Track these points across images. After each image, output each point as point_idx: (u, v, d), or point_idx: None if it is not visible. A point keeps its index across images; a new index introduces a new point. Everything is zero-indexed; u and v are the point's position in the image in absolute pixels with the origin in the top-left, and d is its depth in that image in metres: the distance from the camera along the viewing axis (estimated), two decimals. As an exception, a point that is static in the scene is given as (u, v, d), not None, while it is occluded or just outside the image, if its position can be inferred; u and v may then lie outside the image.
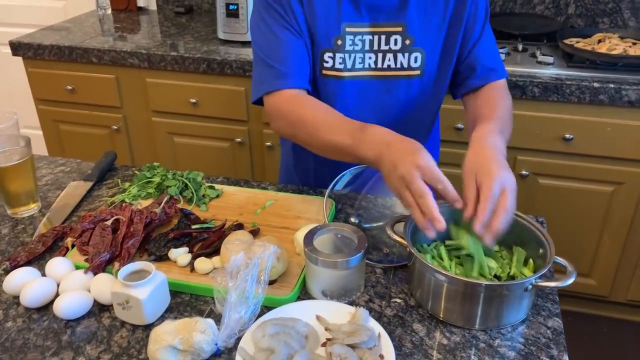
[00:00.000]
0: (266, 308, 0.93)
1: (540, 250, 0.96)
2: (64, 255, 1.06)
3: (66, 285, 0.97)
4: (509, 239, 1.02)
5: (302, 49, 1.18)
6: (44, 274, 1.01)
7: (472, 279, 0.92)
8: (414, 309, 0.96)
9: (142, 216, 1.08)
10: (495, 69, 1.25)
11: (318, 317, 0.92)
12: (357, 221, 1.15)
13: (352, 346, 0.84)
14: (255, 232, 1.11)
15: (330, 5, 1.18)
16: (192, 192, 1.22)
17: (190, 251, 1.06)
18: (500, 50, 2.06)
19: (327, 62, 1.20)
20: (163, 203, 1.16)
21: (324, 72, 1.21)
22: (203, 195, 1.23)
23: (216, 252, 1.05)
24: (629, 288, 2.19)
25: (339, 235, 0.99)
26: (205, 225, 1.12)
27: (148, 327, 0.92)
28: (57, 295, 0.97)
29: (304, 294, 0.99)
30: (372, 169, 1.18)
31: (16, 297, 0.98)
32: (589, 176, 2.01)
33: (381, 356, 0.84)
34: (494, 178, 0.92)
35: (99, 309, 0.96)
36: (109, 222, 1.08)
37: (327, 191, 1.15)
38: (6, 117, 1.31)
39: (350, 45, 1.19)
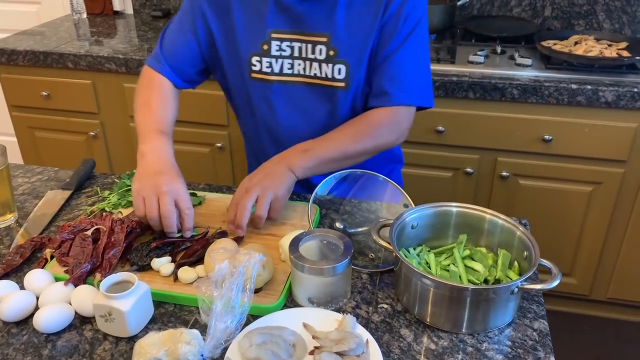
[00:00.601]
0: (252, 317, 0.92)
1: (525, 253, 0.96)
2: (42, 267, 1.04)
3: (46, 298, 0.94)
4: (494, 241, 1.03)
5: (190, 53, 1.29)
6: (22, 287, 0.98)
7: (458, 284, 0.92)
8: (401, 314, 0.96)
9: (123, 225, 1.06)
10: (392, 94, 1.20)
11: (305, 325, 0.91)
12: (342, 226, 1.15)
13: (340, 354, 0.84)
14: (238, 240, 1.09)
15: (257, 11, 1.22)
16: (174, 200, 1.20)
17: (173, 260, 1.04)
18: (479, 53, 2.08)
19: (254, 65, 1.24)
20: (144, 211, 1.13)
21: (253, 75, 1.25)
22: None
23: (200, 260, 1.03)
24: (608, 286, 2.22)
25: (325, 242, 0.99)
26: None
27: (132, 339, 0.90)
28: (36, 308, 0.94)
29: (290, 301, 0.98)
30: (355, 174, 1.18)
31: (-7, 312, 0.95)
32: (568, 176, 2.04)
33: (369, 363, 0.83)
34: (243, 183, 1.12)
35: (81, 321, 0.94)
36: (89, 232, 1.05)
37: (312, 197, 1.14)
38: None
39: (276, 50, 1.22)
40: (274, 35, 1.22)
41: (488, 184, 2.13)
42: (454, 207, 1.04)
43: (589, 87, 1.87)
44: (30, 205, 1.26)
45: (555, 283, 0.89)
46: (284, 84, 1.25)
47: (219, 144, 2.29)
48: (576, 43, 2.10)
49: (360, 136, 1.20)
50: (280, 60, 1.23)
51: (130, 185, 1.24)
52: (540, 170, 2.05)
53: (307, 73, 1.23)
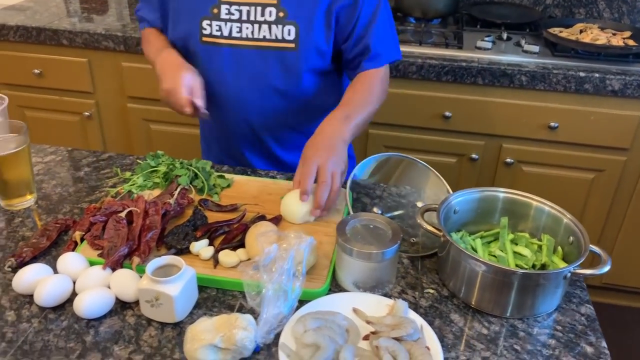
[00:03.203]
0: (299, 302, 0.90)
1: (571, 238, 0.96)
2: (73, 250, 0.99)
3: (84, 282, 0.90)
4: (537, 227, 1.02)
5: (154, 15, 1.36)
6: (55, 271, 0.94)
7: (513, 268, 0.91)
8: (448, 299, 0.95)
9: (158, 207, 1.03)
10: (382, 54, 1.29)
11: (355, 310, 0.89)
12: (380, 211, 1.13)
13: (397, 339, 0.82)
14: (277, 220, 1.07)
15: None
16: (203, 182, 1.16)
17: (211, 244, 1.01)
18: (486, 39, 2.08)
19: (205, 29, 1.25)
20: (176, 194, 1.10)
21: (204, 39, 1.26)
22: (214, 185, 1.17)
23: (240, 245, 1.00)
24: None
25: (372, 226, 0.97)
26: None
27: (177, 325, 0.87)
28: (73, 293, 0.91)
29: (334, 285, 0.97)
30: (396, 158, 1.17)
31: (27, 296, 0.91)
32: (571, 164, 2.06)
33: (427, 348, 0.82)
34: (312, 159, 1.09)
35: (121, 306, 0.91)
36: (123, 214, 1.01)
37: (349, 180, 1.12)
38: (-6, 102, 1.23)
39: (226, 14, 1.23)
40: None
41: (491, 170, 2.14)
42: (501, 193, 1.04)
43: (597, 75, 1.89)
44: (48, 186, 1.21)
45: (606, 268, 0.89)
46: (233, 48, 1.25)
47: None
48: (581, 31, 2.11)
49: (375, 97, 1.28)
50: (229, 24, 1.24)
51: (154, 167, 1.20)
52: (544, 157, 2.06)
53: (256, 36, 1.24)
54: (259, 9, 1.22)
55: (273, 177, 1.27)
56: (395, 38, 1.33)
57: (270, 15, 1.22)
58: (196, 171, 1.17)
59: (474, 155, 2.10)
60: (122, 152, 2.40)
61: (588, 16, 2.36)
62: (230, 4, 1.23)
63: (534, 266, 0.96)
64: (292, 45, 1.23)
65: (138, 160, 1.29)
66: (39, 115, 2.41)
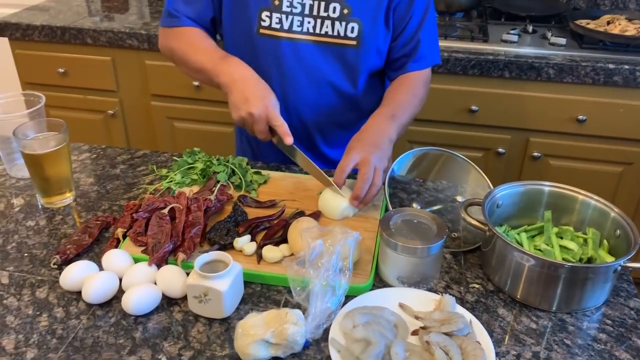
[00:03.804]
0: (345, 297, 0.89)
1: (618, 232, 0.95)
2: (116, 247, 1.00)
3: (130, 279, 0.91)
4: (582, 221, 1.01)
5: (201, 4, 1.25)
6: (100, 268, 0.95)
7: (560, 261, 0.90)
8: (494, 293, 0.94)
9: (199, 203, 1.03)
10: (427, 57, 1.29)
11: (402, 305, 0.89)
12: (419, 207, 1.12)
13: (447, 334, 0.82)
14: (316, 216, 1.06)
15: None
16: (240, 178, 1.16)
17: (253, 240, 1.01)
18: (511, 32, 2.06)
19: (264, 20, 1.21)
20: (216, 190, 1.10)
21: (262, 30, 1.22)
22: (251, 181, 1.17)
23: (283, 241, 1.00)
24: (632, 266, 2.23)
25: (416, 221, 0.96)
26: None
27: (225, 321, 0.87)
28: (119, 290, 0.91)
29: (377, 280, 0.96)
30: (435, 153, 1.16)
31: (73, 293, 0.92)
32: (599, 157, 2.04)
33: (478, 343, 0.82)
34: (353, 152, 1.08)
35: (167, 302, 0.91)
36: (165, 211, 1.01)
37: (387, 175, 1.11)
38: (31, 101, 1.23)
39: (287, 6, 1.19)
40: None
41: (518, 164, 2.12)
42: (546, 187, 1.03)
43: (627, 67, 1.86)
44: (85, 184, 1.22)
45: (657, 262, 0.88)
46: (292, 42, 1.22)
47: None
48: (609, 22, 2.08)
49: (419, 99, 1.28)
50: (290, 17, 1.20)
51: (191, 164, 1.20)
52: (572, 151, 2.04)
53: (317, 31, 1.21)
54: (322, 3, 1.19)
55: (306, 173, 1.26)
56: (438, 42, 1.32)
57: (334, 12, 1.19)
58: (233, 167, 1.18)
59: (500, 150, 2.08)
60: (189, 149, 2.43)
61: (613, 7, 2.33)
62: None
63: (580, 260, 0.95)
64: (354, 42, 1.21)
65: (174, 158, 1.29)
66: (64, 114, 2.39)
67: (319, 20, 1.20)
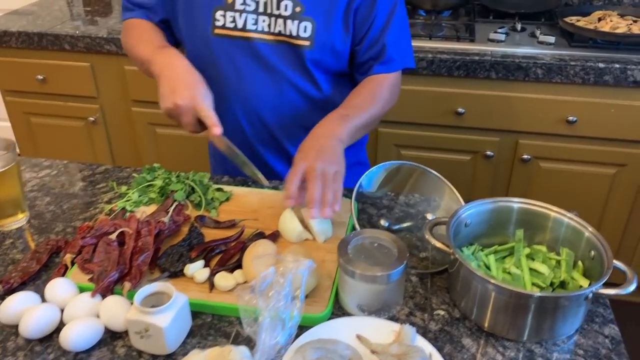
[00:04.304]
0: (299, 327, 0.84)
1: (592, 253, 0.89)
2: (63, 275, 0.95)
3: (72, 311, 0.86)
4: (556, 239, 0.95)
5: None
6: (43, 298, 0.90)
7: (527, 291, 0.84)
8: (460, 321, 0.88)
9: (151, 227, 0.97)
10: (395, 59, 1.21)
11: (359, 337, 0.84)
12: (387, 224, 1.07)
13: (404, 370, 0.76)
14: (275, 237, 1.01)
15: None
16: (200, 196, 1.11)
17: (207, 265, 0.95)
18: (499, 31, 1.99)
19: (218, 20, 1.17)
20: (171, 210, 1.05)
21: (216, 31, 1.18)
22: (212, 199, 1.12)
23: (238, 266, 0.95)
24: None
25: (376, 244, 0.90)
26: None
27: (169, 357, 0.82)
28: (61, 323, 0.86)
29: (337, 308, 0.91)
30: (408, 167, 1.11)
31: (13, 327, 0.87)
32: (591, 159, 1.97)
33: (436, 380, 0.76)
34: (298, 163, 1.00)
35: (111, 336, 0.86)
36: (113, 236, 0.96)
37: (355, 190, 1.05)
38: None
39: (241, 4, 1.15)
40: None
41: (508, 167, 2.06)
42: (515, 203, 0.97)
43: (617, 65, 1.79)
44: (41, 203, 1.17)
45: (632, 288, 0.82)
46: (248, 41, 1.17)
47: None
48: (600, 19, 2.01)
49: (380, 101, 1.20)
50: (244, 15, 1.15)
51: (150, 181, 1.15)
52: (563, 153, 1.98)
53: (272, 30, 1.16)
54: (274, 1, 1.14)
55: (275, 188, 1.21)
56: (410, 44, 1.26)
57: (286, 10, 1.14)
58: (193, 185, 1.12)
59: (488, 152, 2.02)
60: (129, 157, 2.39)
61: (607, 2, 2.26)
62: None
63: (552, 284, 0.89)
64: (308, 42, 1.16)
65: (134, 174, 1.24)
66: (45, 121, 2.38)
67: (272, 19, 1.15)
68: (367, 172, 1.10)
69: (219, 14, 1.16)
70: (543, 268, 0.90)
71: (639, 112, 1.85)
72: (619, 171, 1.97)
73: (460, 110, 1.96)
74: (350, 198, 1.05)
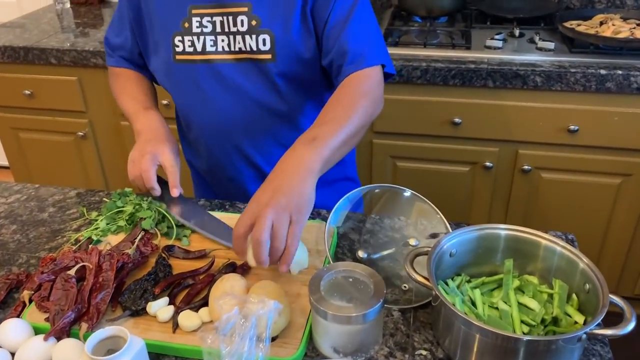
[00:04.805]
0: (267, 373, 0.77)
1: (587, 286, 0.82)
2: (19, 314, 0.89)
3: (23, 356, 0.79)
4: (548, 269, 0.88)
5: (131, 42, 1.25)
6: (-4, 341, 0.84)
7: (514, 334, 0.77)
8: (443, 362, 0.81)
9: (113, 261, 0.91)
10: (365, 55, 1.07)
11: (332, 383, 0.77)
12: (365, 255, 1.00)
13: (378, 423, 0.69)
14: (244, 268, 0.94)
15: None
16: (171, 224, 1.05)
17: (172, 301, 0.89)
18: (496, 37, 1.92)
19: (177, 46, 1.15)
20: (137, 240, 0.98)
21: (177, 57, 1.16)
22: (183, 227, 1.05)
23: (204, 303, 0.88)
24: (637, 282, 2.08)
25: (350, 279, 0.84)
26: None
27: (126, 407, 0.76)
28: (12, 368, 0.80)
29: (310, 349, 0.84)
30: (379, 191, 1.03)
31: (-38, 373, 0.81)
32: (595, 169, 1.89)
33: None
34: (249, 205, 0.86)
35: (65, 383, 0.79)
36: (72, 271, 0.90)
37: (329, 218, 0.99)
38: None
39: (197, 27, 1.13)
40: (194, 11, 1.12)
41: (508, 178, 1.98)
42: (502, 230, 0.89)
43: (620, 72, 1.71)
44: (7, 232, 1.11)
45: (630, 327, 0.74)
46: (209, 64, 1.14)
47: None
48: (602, 23, 1.93)
49: (358, 107, 1.01)
50: (202, 38, 1.13)
51: (121, 207, 1.09)
52: (565, 163, 1.90)
53: (232, 48, 1.13)
54: (230, 18, 1.10)
55: (253, 212, 1.14)
56: (381, 41, 1.13)
57: (242, 25, 1.10)
58: (163, 212, 1.06)
59: (487, 163, 1.94)
60: (120, 171, 2.34)
61: (610, 5, 2.18)
62: (201, 15, 1.12)
63: (543, 320, 0.82)
64: (269, 56, 1.11)
65: (104, 199, 1.18)
66: (34, 136, 2.33)
67: (231, 37, 1.12)
68: (334, 209, 1.01)
69: (177, 39, 1.14)
70: (533, 304, 0.82)
71: (643, 120, 1.77)
72: (624, 181, 1.89)
73: (457, 120, 1.88)
74: (330, 221, 0.98)
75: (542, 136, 1.86)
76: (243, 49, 1.12)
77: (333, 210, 1.00)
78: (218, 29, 1.12)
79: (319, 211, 1.14)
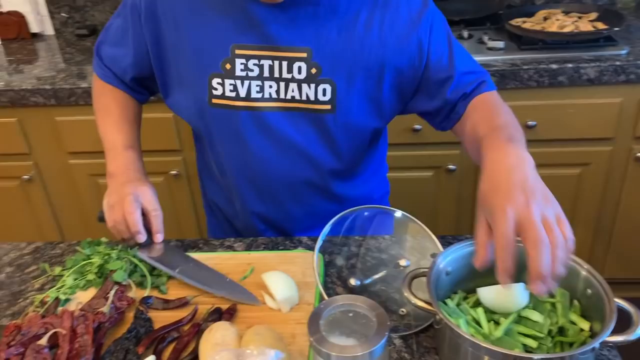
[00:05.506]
0: None
1: (589, 291, 0.80)
2: (-12, 394, 0.80)
3: None
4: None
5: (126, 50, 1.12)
6: None
7: (527, 355, 0.74)
8: (455, 389, 0.78)
9: (88, 322, 0.83)
10: (484, 81, 1.04)
11: None
12: (358, 282, 0.95)
13: None
14: (232, 313, 0.88)
15: (215, 22, 1.00)
16: (144, 273, 0.97)
17: (159, 358, 0.82)
18: (447, 40, 1.92)
19: (216, 89, 1.02)
20: (111, 295, 0.91)
21: (214, 100, 1.03)
22: (158, 274, 0.98)
23: (195, 358, 0.82)
24: (604, 267, 2.13)
25: (351, 314, 0.79)
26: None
27: None
28: None
29: (314, 391, 0.79)
30: (359, 212, 1.00)
31: None
32: (555, 161, 1.92)
33: None
34: (504, 209, 0.73)
35: None
36: (44, 340, 0.82)
37: (317, 246, 0.94)
38: None
39: (242, 70, 1.00)
40: (238, 51, 1.00)
41: (472, 179, 1.99)
42: (497, 243, 0.87)
43: (570, 65, 1.75)
44: (-40, 300, 1.01)
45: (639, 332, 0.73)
46: (252, 111, 1.02)
47: (174, 172, 2.06)
48: (545, 18, 1.97)
49: (510, 113, 0.98)
50: (247, 82, 1.00)
51: (89, 256, 1.01)
52: (526, 158, 1.92)
53: (282, 96, 1.01)
54: (284, 63, 0.99)
55: (230, 247, 1.08)
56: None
57: (299, 72, 0.99)
58: (134, 260, 0.99)
59: (451, 166, 1.95)
60: (73, 215, 2.21)
61: (549, 0, 2.23)
62: (247, 57, 0.99)
63: (549, 331, 0.80)
64: (328, 106, 1.00)
65: (68, 251, 1.09)
66: (-25, 185, 2.18)
67: (282, 84, 1.00)
68: (321, 236, 0.96)
69: (216, 81, 1.01)
70: (536, 316, 0.80)
71: (596, 110, 1.81)
72: (583, 171, 1.93)
73: (417, 126, 1.88)
74: (317, 249, 0.94)
75: (502, 134, 1.87)
76: (297, 97, 1.01)
77: (320, 237, 0.96)
78: (266, 74, 1.00)
79: (300, 239, 1.09)
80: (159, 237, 1.01)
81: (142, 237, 0.99)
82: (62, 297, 0.95)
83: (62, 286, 0.97)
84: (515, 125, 0.93)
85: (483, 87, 1.04)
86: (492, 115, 0.97)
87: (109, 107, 1.16)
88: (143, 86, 1.19)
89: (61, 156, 2.09)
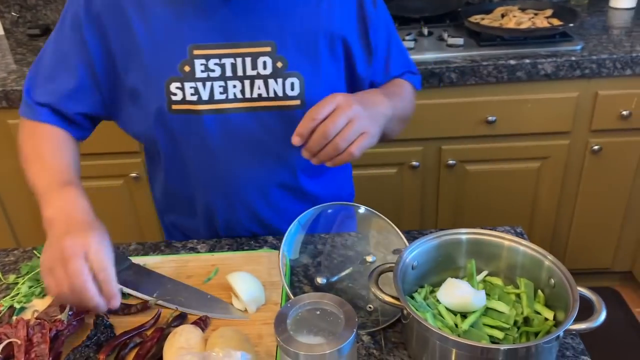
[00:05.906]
0: None
1: (552, 280, 0.81)
2: (-62, 410, 0.76)
3: None
4: (512, 269, 0.87)
5: (77, 90, 0.99)
6: None
7: (494, 346, 0.74)
8: (424, 383, 0.78)
9: (45, 331, 0.80)
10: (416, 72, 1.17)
11: None
12: (324, 280, 0.94)
13: None
14: (204, 322, 0.86)
15: (170, 19, 0.94)
16: (105, 277, 0.94)
17: (121, 366, 0.80)
18: (407, 38, 1.94)
19: (175, 94, 0.96)
20: (69, 303, 0.87)
21: (174, 107, 0.96)
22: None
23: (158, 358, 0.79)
24: (564, 258, 2.18)
25: (318, 312, 0.78)
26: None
27: None
28: None
29: (283, 392, 0.77)
30: (323, 209, 0.99)
31: None
32: (515, 156, 1.95)
33: None
34: (335, 97, 0.86)
35: None
36: (-2, 352, 0.78)
37: (282, 246, 0.93)
38: None
39: (202, 71, 0.95)
40: (196, 52, 0.95)
41: (435, 175, 2.01)
42: (463, 235, 0.87)
43: (527, 60, 1.78)
44: None
45: (602, 319, 0.74)
46: (216, 114, 0.97)
47: (134, 174, 2.01)
48: (503, 15, 2.00)
49: (411, 102, 1.13)
50: (209, 84, 0.95)
51: (42, 266, 0.96)
52: (487, 153, 1.95)
53: (248, 95, 0.97)
54: (248, 60, 0.95)
55: (193, 249, 1.06)
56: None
57: (265, 68, 0.95)
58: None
59: (414, 163, 1.96)
60: (28, 223, 2.13)
61: (505, -3, 2.27)
62: (207, 57, 0.95)
63: (515, 322, 0.81)
64: (297, 102, 0.98)
65: (23, 258, 1.05)
66: None
67: (247, 82, 0.96)
68: (284, 239, 0.95)
69: (174, 86, 0.95)
70: (502, 307, 0.81)
71: (553, 104, 1.85)
72: (542, 164, 1.97)
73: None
74: (283, 249, 0.92)
75: (463, 130, 1.90)
76: (264, 95, 0.97)
77: (285, 236, 0.94)
78: (229, 73, 0.95)
79: (265, 238, 1.08)
80: (114, 304, 0.79)
81: (103, 308, 0.79)
82: (17, 305, 0.91)
83: (17, 294, 0.93)
84: (399, 94, 1.06)
85: (409, 76, 1.14)
86: (386, 86, 1.08)
87: (39, 151, 0.98)
88: (83, 115, 1.04)
89: (15, 162, 2.00)
